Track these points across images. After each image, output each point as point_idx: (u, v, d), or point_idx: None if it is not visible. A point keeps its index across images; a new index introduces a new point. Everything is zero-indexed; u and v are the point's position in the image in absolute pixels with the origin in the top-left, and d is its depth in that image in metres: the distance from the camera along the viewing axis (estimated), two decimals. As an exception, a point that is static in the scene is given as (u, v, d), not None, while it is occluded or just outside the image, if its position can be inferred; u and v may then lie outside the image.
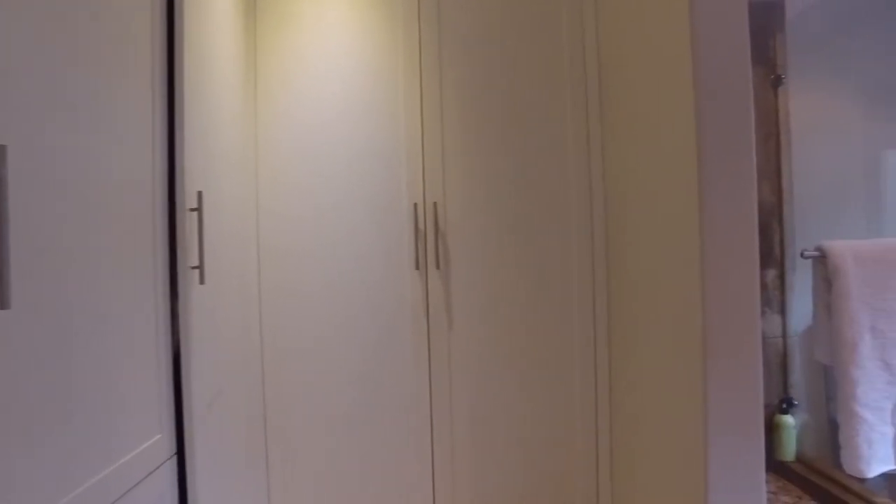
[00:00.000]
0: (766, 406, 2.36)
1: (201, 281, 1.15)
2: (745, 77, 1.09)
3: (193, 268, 1.14)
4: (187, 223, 1.12)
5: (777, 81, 2.53)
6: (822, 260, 1.55)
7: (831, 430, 2.31)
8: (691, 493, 1.12)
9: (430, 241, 1.56)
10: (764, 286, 2.50)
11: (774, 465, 2.30)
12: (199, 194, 1.14)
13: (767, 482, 2.25)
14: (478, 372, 1.56)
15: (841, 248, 1.50)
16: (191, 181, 1.14)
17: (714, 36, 1.08)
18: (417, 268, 1.56)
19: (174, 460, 1.04)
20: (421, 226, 1.56)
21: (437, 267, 1.56)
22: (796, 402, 2.42)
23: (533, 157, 1.56)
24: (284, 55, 1.57)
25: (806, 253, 1.58)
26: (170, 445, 1.03)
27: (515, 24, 1.56)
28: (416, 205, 1.56)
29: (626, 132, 1.42)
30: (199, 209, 1.14)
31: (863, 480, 1.52)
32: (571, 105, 1.55)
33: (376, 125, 1.57)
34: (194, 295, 1.14)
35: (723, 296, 1.08)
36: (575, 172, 1.54)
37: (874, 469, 1.45)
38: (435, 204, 1.56)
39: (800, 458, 2.33)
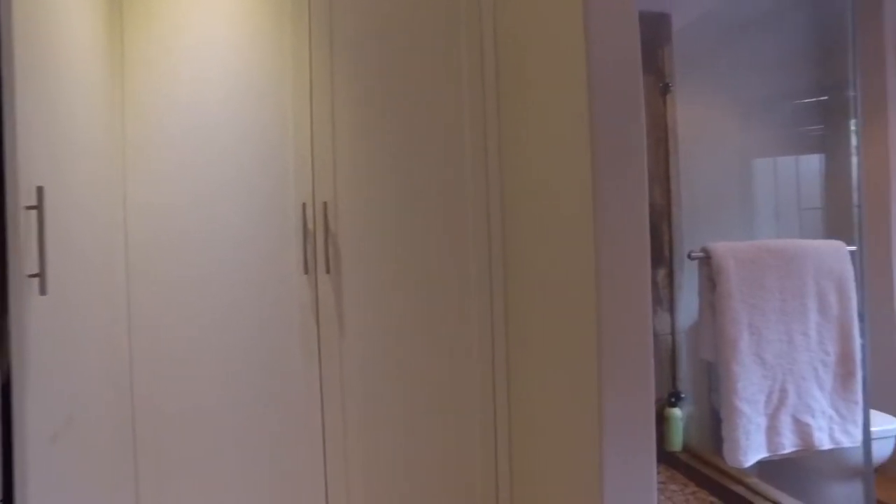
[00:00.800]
0: (656, 400, 2.46)
1: (42, 291, 0.98)
2: (636, 83, 1.11)
3: (32, 276, 0.98)
4: (22, 223, 0.95)
5: (665, 89, 2.65)
6: (706, 261, 1.61)
7: (713, 421, 2.45)
8: (587, 487, 1.12)
9: (319, 244, 1.46)
10: (654, 285, 2.61)
11: (663, 456, 2.41)
12: (40, 190, 0.98)
13: (658, 473, 2.33)
14: (373, 382, 1.48)
15: (723, 249, 1.57)
16: (27, 176, 0.98)
17: (607, 43, 1.09)
18: (306, 272, 1.45)
19: (1, 507, 0.88)
20: (310, 227, 1.45)
21: (328, 271, 1.46)
22: (683, 396, 2.55)
23: (429, 158, 1.50)
24: (156, 38, 1.41)
25: (693, 254, 1.64)
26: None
27: (413, 21, 1.50)
28: (304, 204, 1.46)
29: (523, 135, 1.40)
30: (38, 207, 0.98)
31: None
32: (469, 107, 1.51)
33: (262, 118, 1.45)
34: (33, 308, 0.98)
35: (616, 295, 1.09)
36: (472, 174, 1.50)
37: (751, 458, 1.52)
38: (325, 204, 1.46)
39: (686, 448, 2.46)
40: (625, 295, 1.09)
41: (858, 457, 1.77)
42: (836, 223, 2.77)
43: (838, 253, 1.66)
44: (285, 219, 1.46)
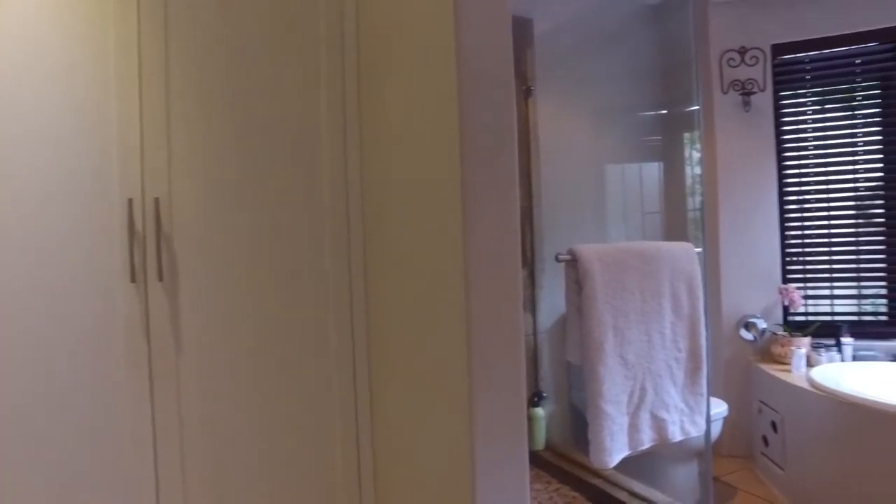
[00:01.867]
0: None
1: None
2: (508, 84, 1.08)
3: None
4: None
5: (528, 93, 2.69)
6: (572, 263, 1.62)
7: (574, 419, 2.54)
8: (459, 490, 1.06)
9: (150, 247, 1.22)
10: (518, 286, 2.64)
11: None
12: None
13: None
14: (218, 403, 1.28)
15: (589, 252, 1.59)
16: None
17: (478, 42, 1.05)
18: (133, 280, 1.21)
19: None
20: (139, 227, 1.21)
21: (160, 278, 1.23)
22: (545, 395, 2.61)
23: (283, 153, 1.33)
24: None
25: (560, 256, 1.64)
26: None
27: (269, 7, 1.32)
28: (130, 200, 1.21)
29: (386, 136, 1.29)
30: None
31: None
32: (327, 100, 1.36)
33: (75, 92, 1.18)
34: None
35: (487, 297, 1.04)
36: (330, 175, 1.35)
37: (615, 458, 1.56)
38: (157, 200, 1.23)
39: (548, 446, 2.52)
40: (496, 296, 1.05)
41: (698, 440, 1.90)
42: (673, 226, 3.02)
43: (688, 254, 1.76)
44: (110, 218, 1.20)
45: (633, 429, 1.59)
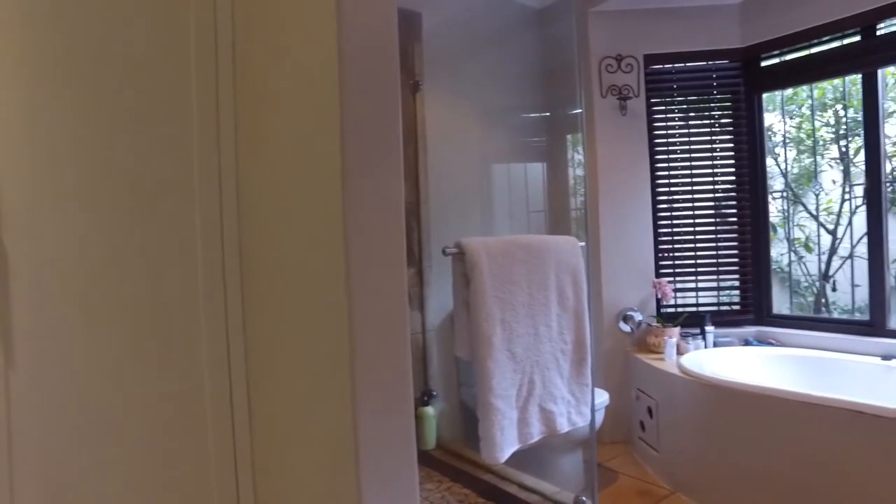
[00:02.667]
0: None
1: None
2: (392, 74, 1.02)
3: None
4: None
5: (415, 88, 2.65)
6: (460, 257, 1.59)
7: (464, 416, 2.53)
8: (344, 497, 0.99)
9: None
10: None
11: (417, 456, 2.39)
12: None
13: (413, 473, 2.25)
14: (59, 423, 1.09)
15: (477, 244, 1.56)
16: None
17: (361, 30, 0.98)
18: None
19: None
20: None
21: (-23, 278, 1.03)
22: (435, 393, 2.57)
23: (144, 140, 1.17)
24: None
25: (447, 250, 1.60)
26: None
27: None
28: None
29: (263, 130, 1.18)
30: None
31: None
32: (198, 102, 1.21)
33: None
34: None
35: (371, 296, 0.98)
36: (201, 167, 1.21)
37: (506, 453, 1.54)
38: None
39: (439, 445, 2.48)
40: (380, 293, 0.99)
41: (583, 429, 1.95)
42: (557, 225, 3.13)
43: (573, 248, 1.80)
44: None
45: (523, 422, 1.59)
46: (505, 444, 1.52)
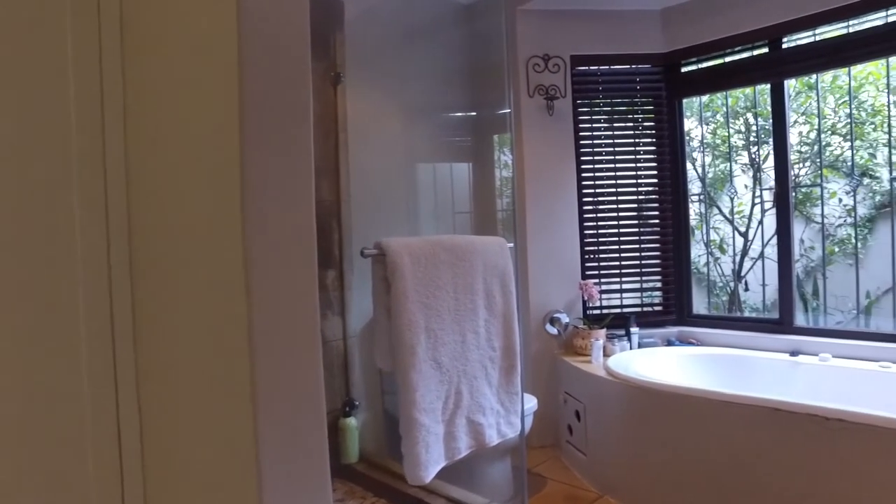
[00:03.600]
0: (330, 411, 2.28)
1: None
2: (302, 60, 0.92)
3: None
4: None
5: (337, 79, 2.49)
6: (380, 258, 1.46)
7: (388, 426, 2.40)
8: None
9: None
10: (324, 288, 2.42)
11: (340, 470, 2.24)
12: None
13: (334, 489, 2.14)
14: None
15: (398, 245, 1.44)
16: None
17: (267, 7, 0.88)
18: None
19: None
20: None
21: None
22: (357, 403, 2.43)
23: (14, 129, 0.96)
24: None
25: (366, 251, 1.47)
26: None
27: None
28: None
29: (153, 122, 1.02)
30: None
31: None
32: (76, 94, 1.02)
33: None
34: None
35: (275, 301, 0.88)
36: (79, 160, 1.02)
37: (431, 472, 1.43)
38: None
39: (363, 458, 2.34)
40: (285, 298, 0.90)
41: (513, 437, 1.88)
42: (483, 226, 3.06)
43: (501, 249, 1.71)
44: None
45: (450, 437, 1.49)
46: (430, 462, 1.41)
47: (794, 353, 2.58)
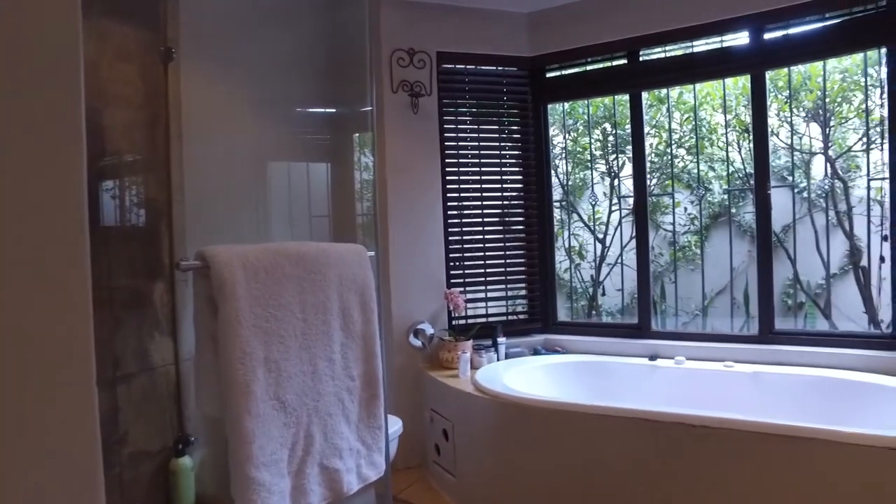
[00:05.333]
0: (161, 451, 1.89)
1: None
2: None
3: None
4: None
5: (168, 55, 2.09)
6: (203, 272, 1.16)
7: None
8: None
9: None
10: (150, 303, 2.01)
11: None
12: None
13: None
14: None
15: (229, 255, 1.14)
16: None
17: None
18: None
19: None
20: None
21: None
22: (193, 439, 2.04)
23: None
24: None
25: (183, 264, 1.16)
26: None
27: None
28: None
29: None
30: None
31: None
32: None
33: None
34: None
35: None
36: None
37: (273, 539, 1.14)
38: None
39: (200, 500, 1.98)
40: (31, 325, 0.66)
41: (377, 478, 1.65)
42: (342, 231, 2.80)
43: (361, 259, 1.46)
44: None
45: (299, 492, 1.21)
46: (272, 526, 1.13)
47: (652, 358, 2.65)
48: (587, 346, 2.88)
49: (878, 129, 2.92)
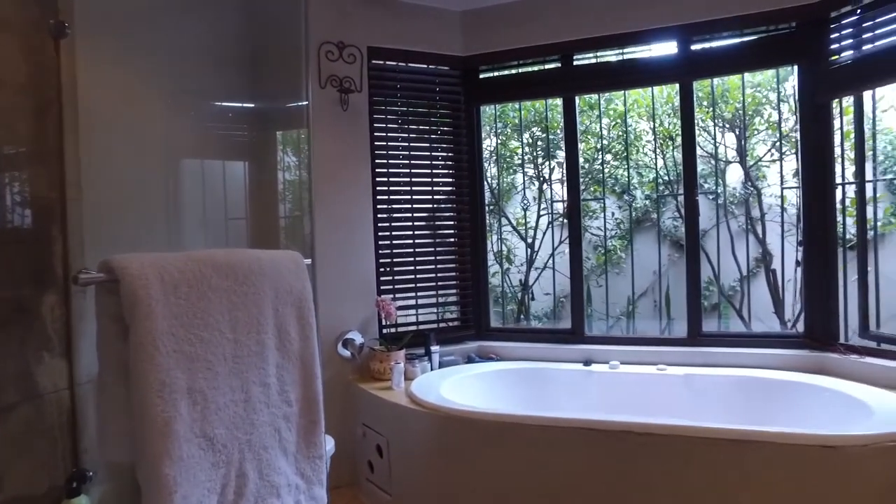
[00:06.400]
0: (48, 492, 1.62)
1: None
2: None
3: None
4: None
5: (59, 30, 1.81)
6: (111, 287, 0.97)
7: (139, 496, 1.80)
8: None
9: None
10: (38, 318, 1.73)
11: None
12: None
13: None
14: None
15: (141, 265, 0.96)
16: None
17: None
18: None
19: None
20: None
21: None
22: (91, 474, 1.78)
23: None
24: None
25: (82, 276, 0.96)
26: None
27: None
28: None
29: None
30: None
31: None
32: None
33: None
34: None
35: None
36: None
37: None
38: None
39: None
40: None
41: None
42: (262, 235, 2.59)
43: (297, 267, 1.30)
44: None
45: (227, 540, 1.04)
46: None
47: (587, 363, 2.64)
48: (521, 352, 2.83)
49: (788, 140, 3.10)
